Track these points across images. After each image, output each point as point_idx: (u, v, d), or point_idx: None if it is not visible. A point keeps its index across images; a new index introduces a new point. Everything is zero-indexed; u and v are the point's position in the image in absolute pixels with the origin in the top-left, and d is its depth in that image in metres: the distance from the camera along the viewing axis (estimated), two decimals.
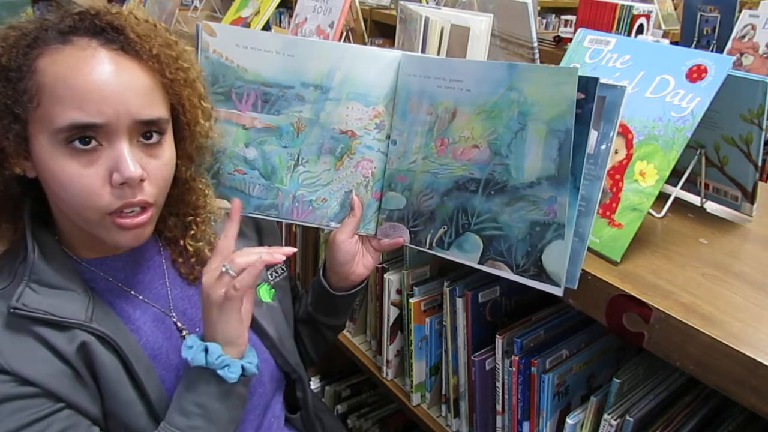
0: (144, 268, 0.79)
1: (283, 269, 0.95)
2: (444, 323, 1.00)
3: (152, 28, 0.69)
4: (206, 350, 0.69)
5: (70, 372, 0.67)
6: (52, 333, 0.67)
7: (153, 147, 0.67)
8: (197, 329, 0.77)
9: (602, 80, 0.63)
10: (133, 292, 0.77)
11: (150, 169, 0.66)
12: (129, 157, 0.64)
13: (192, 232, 0.79)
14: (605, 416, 0.74)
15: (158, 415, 0.72)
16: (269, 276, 0.91)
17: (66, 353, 0.67)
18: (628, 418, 0.72)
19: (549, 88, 0.64)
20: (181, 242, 0.80)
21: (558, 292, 0.68)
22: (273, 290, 0.91)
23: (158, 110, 0.67)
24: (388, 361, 1.14)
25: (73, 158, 0.63)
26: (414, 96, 0.77)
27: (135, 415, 0.71)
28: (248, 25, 1.57)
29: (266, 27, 1.89)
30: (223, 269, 0.68)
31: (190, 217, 0.79)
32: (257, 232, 0.92)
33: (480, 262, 0.74)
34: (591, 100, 0.63)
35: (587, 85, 0.63)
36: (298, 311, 0.99)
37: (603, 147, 0.67)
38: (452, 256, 0.77)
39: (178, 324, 0.79)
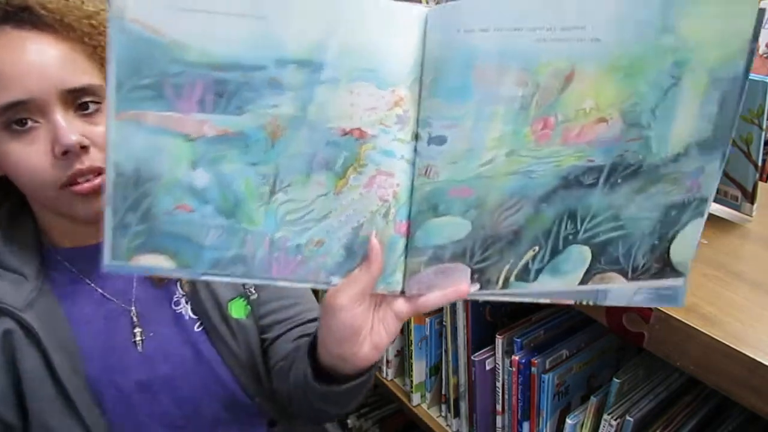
0: None
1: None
2: (444, 323, 1.00)
3: (65, 2, 0.69)
4: None
5: None
6: None
7: (93, 115, 0.67)
8: (151, 332, 0.75)
9: None
10: (92, 285, 0.75)
11: (94, 136, 0.66)
12: (64, 126, 0.64)
13: None
14: (605, 416, 0.74)
15: (81, 415, 0.69)
16: (249, 291, 0.80)
17: None
18: (628, 418, 0.72)
19: (717, 23, 0.49)
20: None
21: (679, 283, 0.56)
22: (249, 307, 0.80)
23: (85, 77, 0.67)
24: (388, 361, 1.14)
25: (15, 141, 0.64)
26: (485, 60, 0.49)
27: (55, 415, 0.69)
28: None
29: None
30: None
31: None
32: None
33: (582, 282, 0.55)
34: (755, 36, 0.48)
35: None
36: (286, 375, 0.76)
37: None
38: (538, 288, 0.56)
39: (134, 320, 0.76)
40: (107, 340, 0.74)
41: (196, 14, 0.48)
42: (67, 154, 0.64)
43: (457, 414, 1.03)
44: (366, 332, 0.58)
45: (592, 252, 0.55)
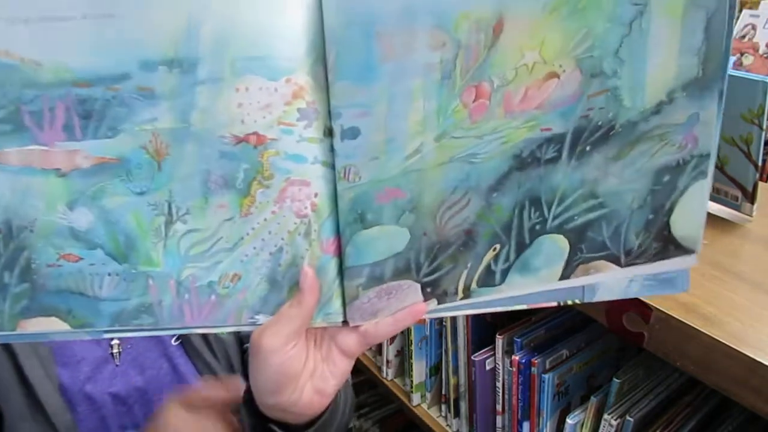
0: None
1: None
2: (444, 323, 1.00)
3: None
4: None
5: None
6: None
7: None
8: (128, 345, 0.72)
9: None
10: None
11: None
12: None
13: None
14: (605, 416, 0.74)
15: (53, 422, 0.66)
16: None
17: None
18: (628, 418, 0.72)
19: None
20: None
21: (690, 262, 0.47)
22: None
23: None
24: (388, 361, 1.14)
25: None
26: (387, 23, 0.37)
27: (26, 420, 0.66)
28: None
29: None
30: None
31: None
32: None
33: (564, 276, 0.46)
34: None
35: None
36: None
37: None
38: (509, 292, 0.46)
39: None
40: (82, 350, 0.71)
41: (38, 24, 0.38)
42: None
43: (457, 414, 1.03)
44: (306, 376, 0.47)
45: (569, 240, 0.45)
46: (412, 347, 1.06)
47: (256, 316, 0.46)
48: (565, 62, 0.40)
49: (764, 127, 0.74)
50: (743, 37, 1.86)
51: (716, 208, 0.85)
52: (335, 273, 0.44)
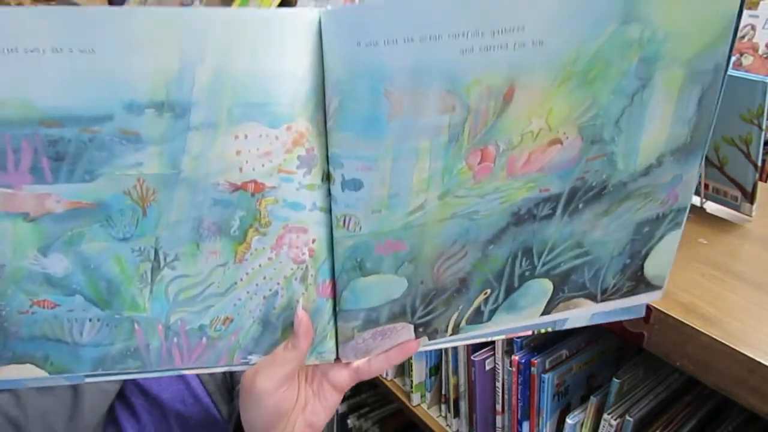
0: None
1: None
2: None
3: None
4: None
5: None
6: None
7: None
8: None
9: None
10: None
11: None
12: None
13: None
14: (605, 416, 0.74)
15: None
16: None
17: None
18: (628, 418, 0.72)
19: (695, 3, 0.38)
20: None
21: (656, 297, 0.51)
22: None
23: None
24: None
25: None
26: (398, 82, 0.37)
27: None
28: None
29: None
30: None
31: None
32: None
33: (545, 312, 0.49)
34: (741, 13, 0.40)
35: None
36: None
37: None
38: (494, 327, 0.49)
39: None
40: None
41: (5, 55, 0.34)
42: None
43: (457, 414, 1.03)
44: (298, 411, 0.48)
45: (554, 283, 0.48)
46: None
47: (249, 357, 0.46)
48: (568, 129, 0.41)
49: (764, 127, 0.74)
50: (743, 37, 1.86)
51: (716, 208, 0.85)
52: (330, 314, 0.45)
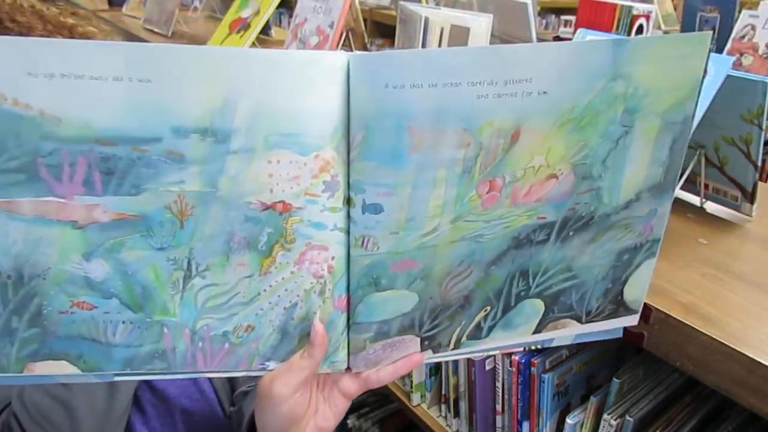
0: None
1: None
2: None
3: (37, 13, 0.64)
4: None
5: None
6: None
7: None
8: None
9: None
10: None
11: None
12: None
13: None
14: (605, 416, 0.74)
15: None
16: None
17: None
18: (627, 418, 0.72)
19: (670, 66, 0.46)
20: None
21: (633, 321, 0.57)
22: None
23: None
24: None
25: None
26: (421, 121, 0.43)
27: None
28: (248, 26, 1.57)
29: (266, 27, 1.90)
30: None
31: None
32: None
33: (536, 331, 0.55)
34: (704, 75, 0.48)
35: None
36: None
37: None
38: (491, 344, 0.54)
39: None
40: None
41: (64, 80, 0.38)
42: None
43: (457, 414, 1.03)
44: (310, 416, 0.52)
45: (545, 303, 0.53)
46: None
47: (267, 363, 0.50)
48: (563, 166, 0.47)
49: (764, 127, 0.74)
50: (743, 37, 1.86)
51: (716, 208, 0.85)
52: (343, 326, 0.49)
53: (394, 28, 1.43)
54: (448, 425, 1.06)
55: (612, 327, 0.57)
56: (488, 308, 0.52)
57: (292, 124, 0.42)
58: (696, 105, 0.48)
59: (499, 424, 0.92)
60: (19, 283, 0.43)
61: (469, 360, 0.95)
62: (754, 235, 0.80)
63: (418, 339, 0.51)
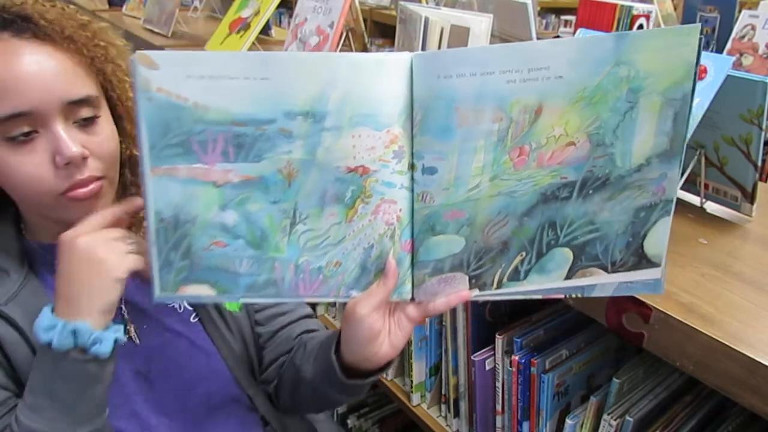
0: None
1: None
2: (444, 323, 1.00)
3: (61, 12, 0.69)
4: (74, 333, 0.61)
5: None
6: None
7: (91, 125, 0.68)
8: (145, 325, 0.76)
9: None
10: None
11: (92, 146, 0.67)
12: (66, 138, 0.65)
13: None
14: (605, 416, 0.74)
15: None
16: None
17: None
18: (627, 418, 0.72)
19: (666, 54, 0.56)
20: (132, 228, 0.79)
21: (657, 274, 0.62)
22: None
23: (84, 89, 0.67)
24: None
25: (14, 151, 0.64)
26: (465, 102, 0.57)
27: None
28: (248, 26, 1.57)
29: (266, 27, 1.90)
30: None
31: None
32: None
33: (567, 277, 0.63)
34: (698, 61, 0.57)
35: None
36: (295, 368, 0.81)
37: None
38: (529, 286, 0.63)
39: (125, 315, 0.76)
40: None
41: (210, 80, 0.56)
42: (68, 164, 0.65)
43: (457, 414, 1.03)
44: (384, 335, 0.66)
45: (573, 252, 0.62)
46: (412, 347, 1.06)
47: (351, 291, 0.64)
48: (580, 136, 0.58)
49: (764, 127, 0.74)
50: (743, 37, 1.86)
51: (716, 208, 0.85)
52: (408, 264, 0.63)
53: (394, 28, 1.43)
54: (448, 425, 1.06)
55: (641, 278, 0.63)
56: (524, 254, 0.62)
57: (369, 107, 0.58)
58: (694, 83, 0.56)
59: (499, 424, 0.92)
60: (175, 227, 0.60)
61: (469, 360, 0.95)
62: (754, 235, 0.80)
63: (466, 277, 0.63)
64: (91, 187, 0.67)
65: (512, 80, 0.56)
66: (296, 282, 0.63)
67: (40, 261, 0.73)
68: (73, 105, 0.66)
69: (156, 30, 1.99)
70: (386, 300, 0.64)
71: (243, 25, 1.59)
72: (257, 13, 1.57)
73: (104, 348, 0.62)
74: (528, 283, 0.63)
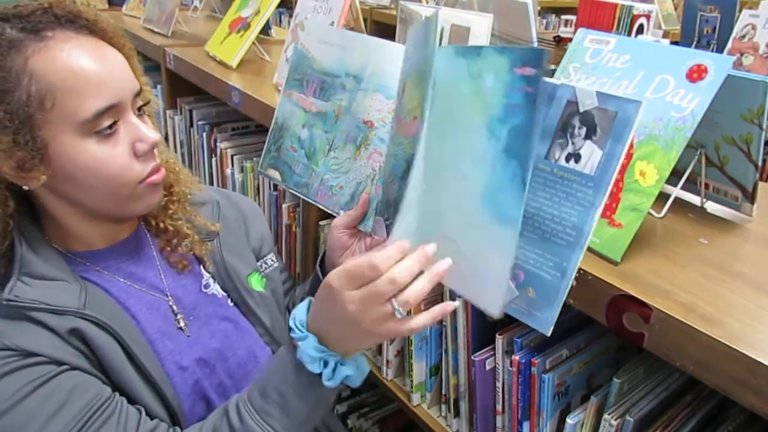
0: (136, 260, 0.80)
1: (273, 260, 0.97)
2: (444, 323, 1.00)
3: (94, 12, 0.73)
4: (332, 368, 0.69)
5: (70, 348, 0.68)
6: (47, 317, 0.68)
7: (142, 114, 0.73)
8: (191, 317, 0.81)
9: (616, 93, 0.64)
10: (127, 282, 0.78)
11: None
12: (143, 127, 0.70)
13: (170, 211, 0.83)
14: (605, 416, 0.74)
15: (163, 394, 0.73)
16: (261, 266, 0.94)
17: (62, 334, 0.68)
18: (628, 418, 0.72)
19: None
20: (161, 224, 0.82)
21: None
22: (264, 279, 0.93)
23: (137, 80, 0.72)
24: (388, 361, 1.14)
25: (102, 144, 0.67)
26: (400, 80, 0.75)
27: (138, 394, 0.72)
28: (248, 26, 1.57)
29: (266, 27, 1.89)
30: (395, 311, 0.63)
31: (166, 197, 0.82)
32: (240, 213, 0.95)
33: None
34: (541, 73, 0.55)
35: (531, 57, 0.55)
36: (293, 300, 1.01)
37: (608, 169, 0.61)
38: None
39: (174, 308, 0.80)
40: (160, 328, 0.78)
41: (324, 44, 0.91)
42: (146, 152, 0.70)
43: (457, 414, 1.03)
44: (350, 252, 0.86)
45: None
46: (412, 347, 1.06)
47: (340, 211, 0.89)
48: (418, 112, 0.69)
49: (764, 127, 0.74)
50: (743, 37, 1.86)
51: (716, 208, 0.85)
52: (375, 204, 0.83)
53: (394, 28, 1.43)
54: (448, 425, 1.06)
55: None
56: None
57: (386, 80, 0.84)
58: None
59: (499, 424, 0.92)
60: (280, 130, 0.98)
61: (469, 360, 0.95)
62: (755, 235, 0.80)
63: (384, 224, 0.77)
64: (162, 171, 0.73)
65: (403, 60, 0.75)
66: (318, 191, 0.91)
67: (83, 271, 0.75)
68: (136, 96, 0.71)
69: (156, 30, 1.99)
70: (354, 223, 0.85)
71: (243, 25, 1.59)
72: (257, 12, 1.57)
73: (354, 380, 0.72)
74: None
